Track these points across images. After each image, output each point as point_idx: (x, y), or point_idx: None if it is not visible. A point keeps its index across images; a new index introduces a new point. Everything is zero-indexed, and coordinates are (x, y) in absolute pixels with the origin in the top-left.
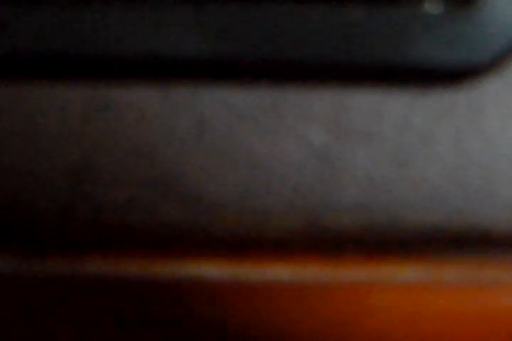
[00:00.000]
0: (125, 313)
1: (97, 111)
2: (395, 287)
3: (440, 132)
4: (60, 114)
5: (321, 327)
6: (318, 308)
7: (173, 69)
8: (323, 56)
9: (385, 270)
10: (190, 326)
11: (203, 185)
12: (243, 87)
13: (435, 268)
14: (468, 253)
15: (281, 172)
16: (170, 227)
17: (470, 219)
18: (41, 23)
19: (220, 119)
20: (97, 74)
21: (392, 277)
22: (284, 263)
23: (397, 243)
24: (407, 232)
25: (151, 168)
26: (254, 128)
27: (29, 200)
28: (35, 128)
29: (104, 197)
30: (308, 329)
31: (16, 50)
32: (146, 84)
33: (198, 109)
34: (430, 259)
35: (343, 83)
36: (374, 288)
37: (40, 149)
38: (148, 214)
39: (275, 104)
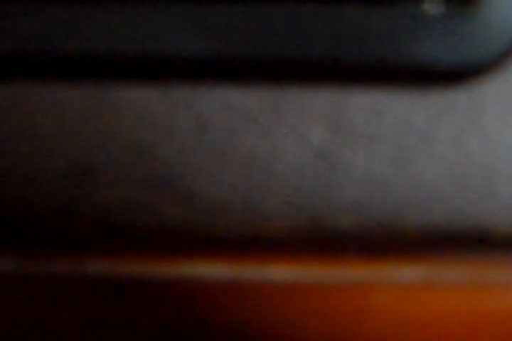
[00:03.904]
0: (125, 313)
1: (97, 111)
2: (395, 287)
3: (440, 132)
4: (60, 114)
5: (321, 327)
6: (318, 308)
7: (173, 69)
8: (323, 56)
9: (385, 270)
10: (191, 326)
11: (203, 185)
12: (243, 87)
13: (435, 268)
14: (468, 253)
15: (281, 172)
16: (170, 227)
17: (470, 219)
18: (41, 23)
19: (220, 119)
20: (97, 74)
21: (392, 277)
22: (284, 263)
23: (397, 243)
24: (407, 232)
25: (151, 167)
26: (254, 128)
27: (29, 200)
28: (35, 128)
29: (104, 197)
30: (309, 329)
31: (16, 50)
32: (146, 84)
33: (197, 108)
34: (430, 259)
35: (343, 83)
36: (374, 288)
37: (40, 149)
38: (148, 214)
39: (275, 104)
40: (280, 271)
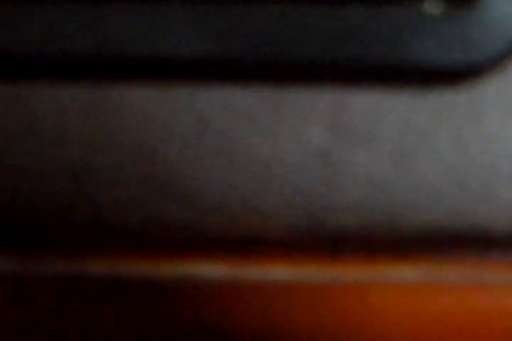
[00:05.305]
0: (125, 313)
1: (97, 111)
2: (395, 287)
3: (440, 132)
4: (60, 114)
5: (321, 327)
6: (318, 308)
7: (173, 69)
8: (323, 56)
9: (385, 270)
10: (190, 326)
11: (203, 185)
12: (243, 87)
13: (435, 268)
14: (468, 253)
15: (281, 172)
16: (170, 227)
17: (470, 219)
18: (41, 23)
19: (220, 119)
20: (97, 74)
21: (392, 277)
22: (284, 263)
23: (397, 243)
24: (407, 232)
25: (151, 168)
26: (254, 128)
27: (29, 200)
28: (35, 128)
29: (104, 197)
30: (309, 329)
31: (16, 50)
32: (146, 84)
33: (197, 109)
34: (430, 259)
35: (343, 83)
36: (374, 288)
37: (40, 149)
38: (148, 214)
39: (275, 104)
40: (280, 271)
